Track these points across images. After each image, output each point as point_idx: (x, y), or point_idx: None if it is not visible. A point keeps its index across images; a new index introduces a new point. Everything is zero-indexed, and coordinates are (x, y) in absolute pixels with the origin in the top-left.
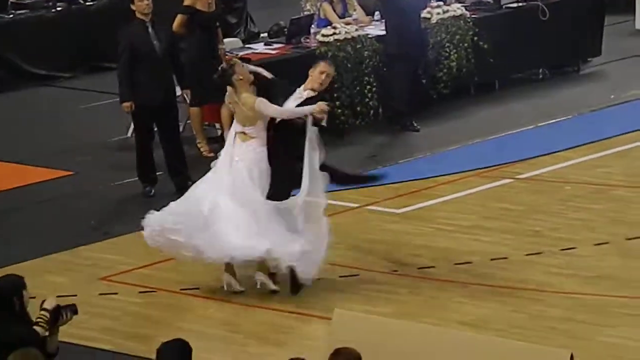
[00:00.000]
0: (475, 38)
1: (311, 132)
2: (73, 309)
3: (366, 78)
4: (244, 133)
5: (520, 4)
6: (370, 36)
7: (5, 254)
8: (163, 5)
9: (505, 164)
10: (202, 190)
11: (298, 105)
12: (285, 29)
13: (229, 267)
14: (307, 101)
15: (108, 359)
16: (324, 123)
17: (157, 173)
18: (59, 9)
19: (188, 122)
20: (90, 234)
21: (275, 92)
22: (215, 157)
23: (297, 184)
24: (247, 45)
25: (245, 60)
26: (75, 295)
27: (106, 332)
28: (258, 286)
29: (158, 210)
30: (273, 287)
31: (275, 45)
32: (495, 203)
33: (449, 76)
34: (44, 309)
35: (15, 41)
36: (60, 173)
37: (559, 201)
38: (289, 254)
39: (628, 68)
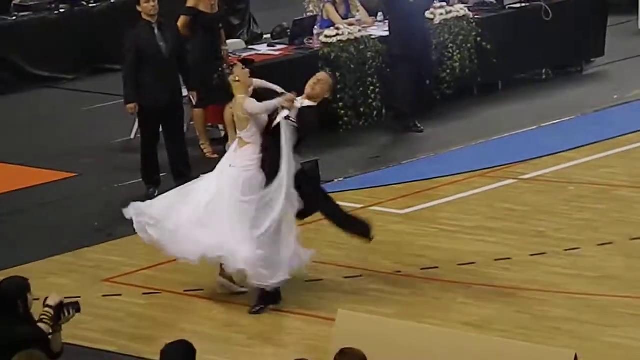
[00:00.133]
0: (479, 39)
1: (285, 128)
2: (76, 307)
3: (369, 79)
4: (241, 138)
5: (523, 5)
6: (373, 37)
7: (9, 256)
8: (169, 7)
9: (508, 164)
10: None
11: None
12: (288, 30)
13: (223, 270)
14: (302, 109)
15: None
16: (292, 115)
17: (161, 174)
18: (61, 10)
19: (191, 123)
20: (94, 235)
21: (272, 98)
22: (219, 159)
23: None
24: (250, 47)
25: (249, 61)
26: (79, 297)
27: (110, 333)
28: (218, 291)
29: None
30: (237, 289)
31: (278, 47)
32: (498, 203)
33: (452, 77)
34: (48, 306)
35: (18, 43)
36: (64, 175)
37: (562, 201)
38: (238, 256)
39: (631, 68)
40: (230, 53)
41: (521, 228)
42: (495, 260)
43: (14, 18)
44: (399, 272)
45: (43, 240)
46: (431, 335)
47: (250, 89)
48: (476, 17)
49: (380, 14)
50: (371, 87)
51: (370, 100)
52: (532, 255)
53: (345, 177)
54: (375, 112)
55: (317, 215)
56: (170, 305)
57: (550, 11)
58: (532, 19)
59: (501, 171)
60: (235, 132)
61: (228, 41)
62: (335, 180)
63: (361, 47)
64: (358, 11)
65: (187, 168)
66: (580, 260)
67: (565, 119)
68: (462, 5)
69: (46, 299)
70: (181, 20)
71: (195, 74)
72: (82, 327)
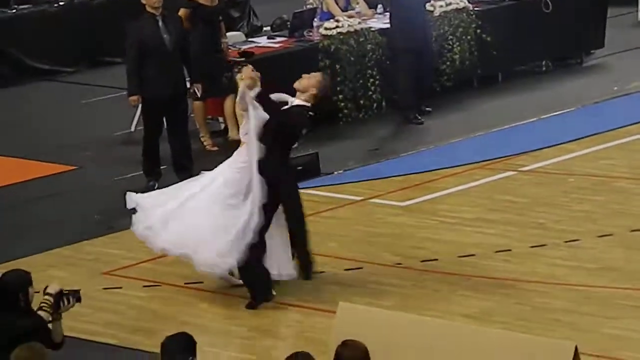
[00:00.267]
0: (478, 31)
1: (252, 113)
2: (77, 296)
3: (369, 71)
4: (241, 139)
5: None
6: (373, 29)
7: (9, 249)
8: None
9: (508, 156)
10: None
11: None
12: (288, 23)
13: None
14: (293, 108)
15: (112, 353)
16: (253, 93)
17: (161, 167)
18: (61, 3)
19: (191, 115)
20: (94, 228)
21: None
22: (219, 151)
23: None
24: (250, 39)
25: (248, 54)
26: (79, 290)
27: (110, 326)
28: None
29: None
30: (237, 282)
31: (278, 39)
32: (499, 195)
33: (452, 69)
34: (48, 294)
35: (18, 36)
36: (64, 168)
37: (562, 193)
38: (199, 257)
39: (631, 60)
40: (230, 46)
41: (521, 220)
42: (496, 252)
43: (14, 11)
44: (399, 264)
45: (43, 233)
46: (431, 327)
47: (256, 91)
48: (476, 9)
49: (380, 6)
50: (371, 80)
51: (370, 93)
52: (532, 247)
53: (345, 169)
54: (375, 105)
55: (316, 207)
56: (170, 297)
57: (550, 3)
58: (532, 10)
59: (501, 163)
60: (237, 127)
61: (228, 34)
62: (335, 172)
63: (361, 39)
64: (358, 3)
65: (190, 161)
66: (580, 252)
67: (565, 110)
68: None
69: (46, 287)
70: (181, 13)
71: (195, 66)
72: (82, 320)
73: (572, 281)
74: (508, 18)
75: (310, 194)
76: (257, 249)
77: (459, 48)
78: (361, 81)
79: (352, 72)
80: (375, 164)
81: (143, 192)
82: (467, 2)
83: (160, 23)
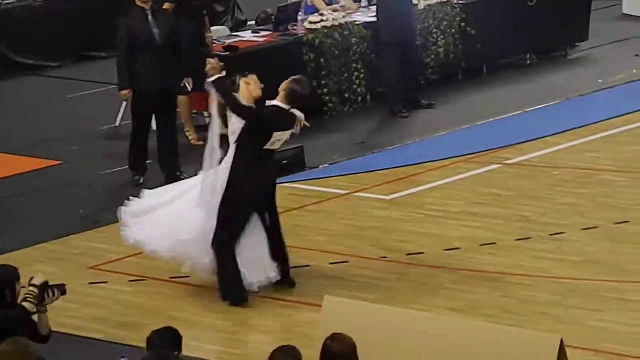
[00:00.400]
0: (463, 24)
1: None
2: (62, 289)
3: (354, 65)
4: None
5: None
6: (357, 23)
7: None
8: None
9: (493, 149)
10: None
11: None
12: (273, 17)
13: None
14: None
15: (98, 348)
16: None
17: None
18: None
19: (177, 110)
20: (80, 223)
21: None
22: (204, 146)
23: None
24: (234, 33)
25: (233, 48)
26: (65, 284)
27: (96, 321)
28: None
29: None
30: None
31: (263, 33)
32: (484, 189)
33: (437, 62)
34: (33, 285)
35: (2, 31)
36: (49, 162)
37: (547, 186)
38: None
39: (615, 52)
40: (215, 40)
41: (506, 213)
42: (481, 245)
43: None
44: (385, 257)
45: (28, 228)
46: (417, 320)
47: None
48: (460, 2)
49: (364, 0)
50: (356, 73)
51: (355, 86)
52: (517, 240)
53: (331, 163)
54: (360, 98)
55: (301, 201)
56: (156, 292)
57: None
58: (516, 3)
59: (486, 156)
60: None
61: (212, 28)
62: (321, 166)
63: (346, 33)
64: None
65: (176, 156)
66: (565, 244)
67: (549, 103)
68: None
69: (31, 279)
70: (166, 7)
71: (185, 60)
72: (68, 315)
73: (558, 274)
74: (492, 11)
75: (295, 187)
76: (228, 250)
77: (443, 41)
78: (346, 75)
79: (337, 66)
80: (361, 157)
81: (128, 187)
82: None
83: (150, 17)
